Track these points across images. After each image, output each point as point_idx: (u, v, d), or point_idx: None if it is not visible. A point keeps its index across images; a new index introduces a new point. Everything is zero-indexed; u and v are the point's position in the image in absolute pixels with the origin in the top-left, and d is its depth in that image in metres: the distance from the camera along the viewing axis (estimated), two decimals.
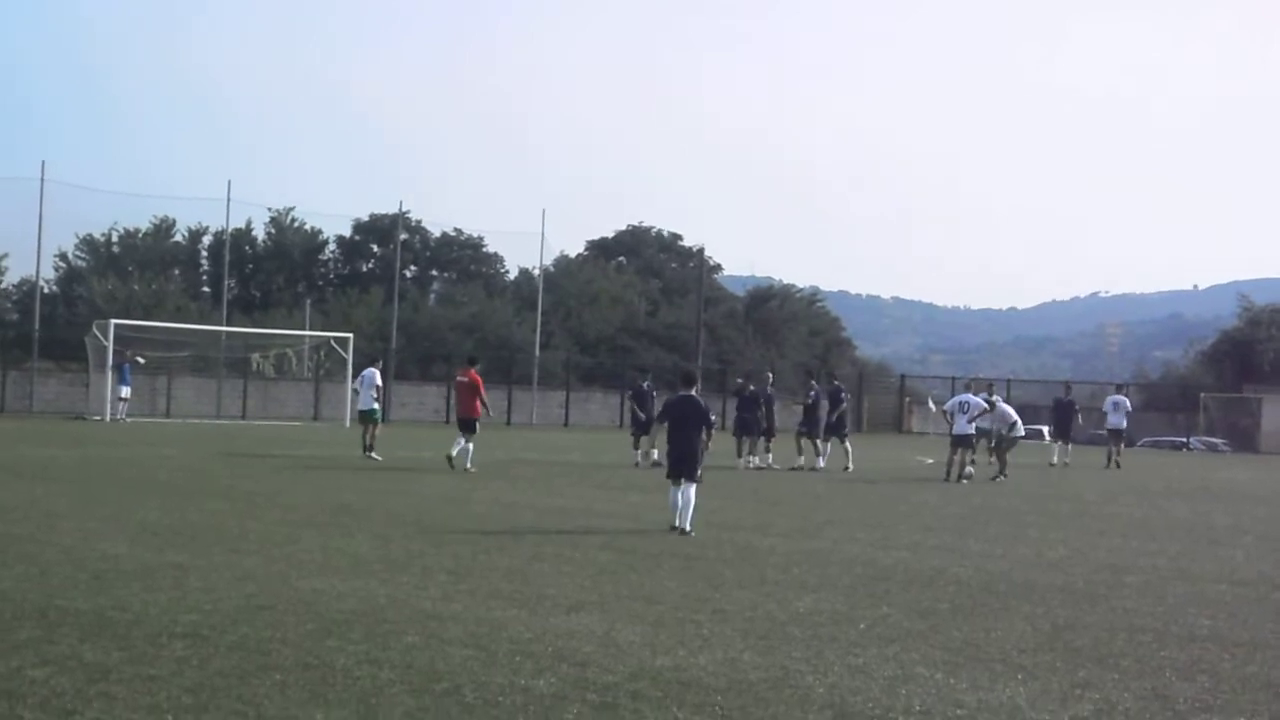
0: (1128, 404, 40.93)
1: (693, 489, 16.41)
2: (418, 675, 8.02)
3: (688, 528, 16.07)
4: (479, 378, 27.62)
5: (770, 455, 32.04)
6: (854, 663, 8.92)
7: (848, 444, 32.22)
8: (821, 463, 31.74)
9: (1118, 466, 37.84)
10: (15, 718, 6.80)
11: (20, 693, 7.28)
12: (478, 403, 27.08)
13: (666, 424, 17.12)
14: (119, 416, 45.34)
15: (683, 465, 16.55)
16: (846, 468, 31.21)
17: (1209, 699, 8.31)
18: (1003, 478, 29.08)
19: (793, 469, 31.11)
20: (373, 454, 28.40)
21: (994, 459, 30.26)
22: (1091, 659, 9.38)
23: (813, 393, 32.63)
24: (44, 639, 8.66)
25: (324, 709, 7.16)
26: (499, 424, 58.28)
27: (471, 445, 26.13)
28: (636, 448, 31.31)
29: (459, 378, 28.71)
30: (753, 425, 31.75)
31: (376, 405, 30.24)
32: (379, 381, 30.63)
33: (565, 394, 64.86)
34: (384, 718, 7.05)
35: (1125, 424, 40.29)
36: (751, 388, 33.30)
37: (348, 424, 30.07)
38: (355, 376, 32.41)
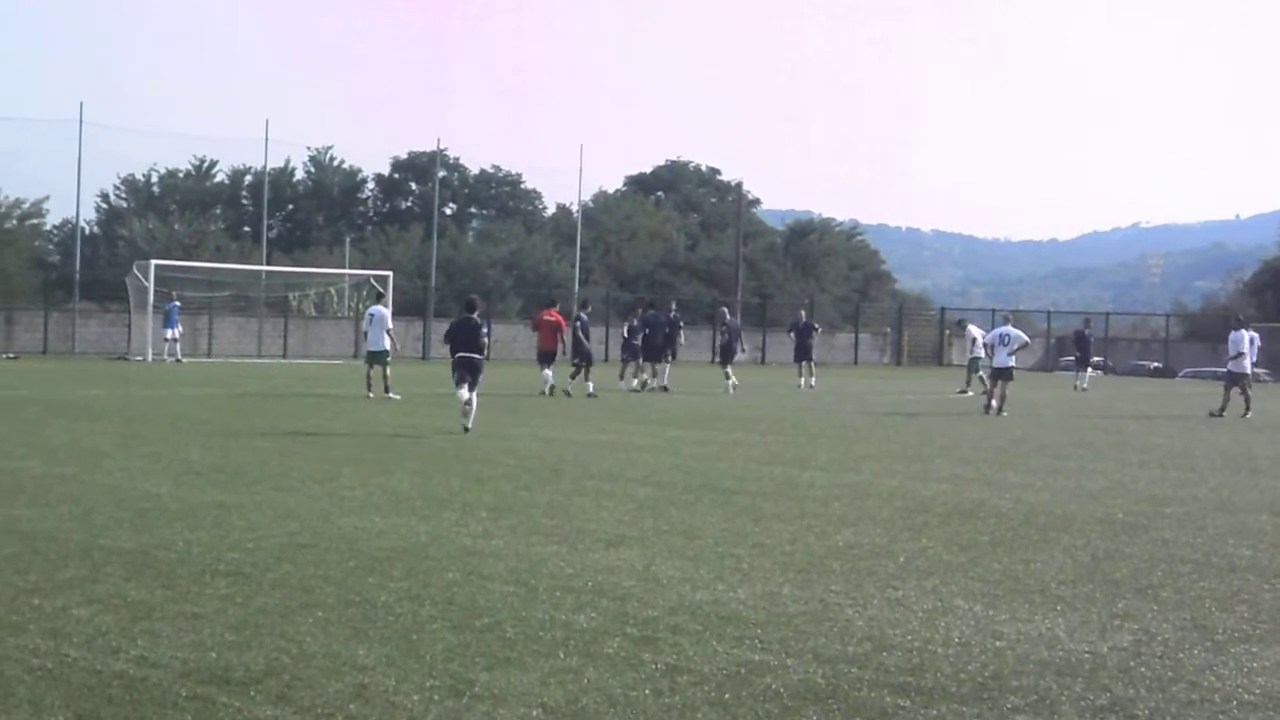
0: (1258, 340, 42.75)
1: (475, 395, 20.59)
2: (459, 611, 8.08)
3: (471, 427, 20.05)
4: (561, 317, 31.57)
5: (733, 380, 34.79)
6: (893, 595, 8.94)
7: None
8: (634, 384, 34.38)
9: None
10: (60, 655, 6.88)
11: (65, 631, 7.38)
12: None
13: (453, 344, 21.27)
14: (172, 357, 45.19)
15: (474, 376, 20.87)
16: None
17: (1249, 629, 8.29)
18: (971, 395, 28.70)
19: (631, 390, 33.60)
20: (390, 394, 27.54)
21: (987, 390, 30.04)
22: (1131, 590, 9.37)
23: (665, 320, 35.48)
24: (89, 578, 8.76)
25: (366, 645, 7.23)
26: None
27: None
28: (651, 374, 34.80)
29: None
30: (652, 350, 34.76)
31: (388, 345, 28.68)
32: (389, 323, 29.29)
33: (605, 329, 64.81)
34: (425, 654, 7.10)
35: (1255, 359, 43.01)
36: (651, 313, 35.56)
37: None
38: (366, 316, 30.38)
